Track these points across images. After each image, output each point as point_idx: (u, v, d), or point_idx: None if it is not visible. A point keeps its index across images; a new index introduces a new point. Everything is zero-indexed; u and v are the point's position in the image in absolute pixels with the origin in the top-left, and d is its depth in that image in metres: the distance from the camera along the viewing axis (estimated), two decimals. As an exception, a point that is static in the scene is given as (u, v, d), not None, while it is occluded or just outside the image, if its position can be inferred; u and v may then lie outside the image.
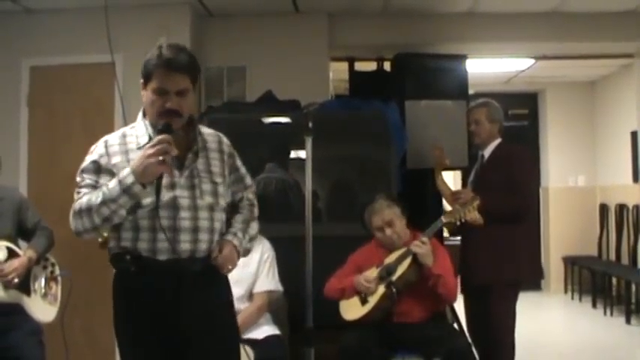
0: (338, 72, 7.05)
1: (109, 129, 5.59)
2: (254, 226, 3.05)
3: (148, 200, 2.65)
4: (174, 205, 2.70)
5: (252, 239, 3.03)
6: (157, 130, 2.65)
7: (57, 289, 4.40)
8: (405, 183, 5.42)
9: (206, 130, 2.97)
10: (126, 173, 2.58)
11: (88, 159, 2.81)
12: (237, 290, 4.09)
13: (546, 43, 6.77)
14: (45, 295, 4.27)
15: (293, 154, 5.16)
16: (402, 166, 5.48)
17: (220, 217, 2.86)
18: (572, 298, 9.53)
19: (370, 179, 5.23)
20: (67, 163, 5.67)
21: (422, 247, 4.10)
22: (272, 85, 5.80)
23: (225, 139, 3.00)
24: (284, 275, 4.37)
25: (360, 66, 6.81)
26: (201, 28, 6.32)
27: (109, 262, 2.81)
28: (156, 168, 2.54)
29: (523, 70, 8.83)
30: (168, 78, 2.69)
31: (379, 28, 6.50)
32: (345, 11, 6.37)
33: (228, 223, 2.95)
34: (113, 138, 2.84)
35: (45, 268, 4.34)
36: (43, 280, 4.29)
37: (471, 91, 6.21)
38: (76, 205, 2.70)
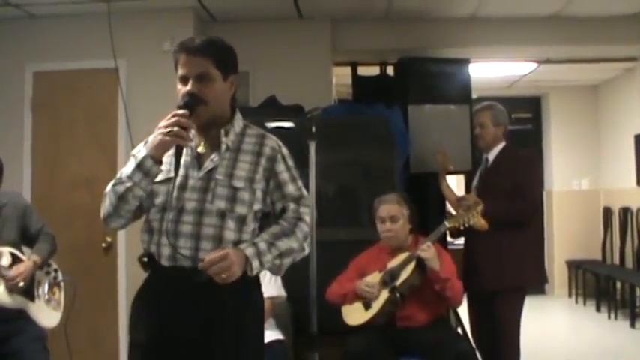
0: (341, 77, 7.05)
1: (113, 134, 5.64)
2: (289, 242, 2.62)
3: (159, 200, 2.58)
4: (179, 208, 2.56)
5: (281, 255, 2.60)
6: (177, 107, 2.51)
7: (60, 295, 4.41)
8: (408, 187, 5.41)
9: (252, 131, 2.75)
10: (141, 150, 2.56)
11: (131, 155, 2.70)
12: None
13: (549, 47, 6.77)
14: (49, 301, 4.28)
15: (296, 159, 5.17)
16: (405, 170, 5.48)
17: (236, 226, 2.57)
18: (577, 301, 9.52)
19: (373, 184, 5.21)
20: (70, 168, 5.71)
21: (428, 251, 4.08)
22: (275, 90, 5.82)
23: (270, 141, 2.73)
24: (287, 280, 4.36)
25: (363, 70, 6.81)
26: (204, 34, 6.24)
27: None
28: (167, 139, 2.43)
29: (526, 74, 8.83)
30: (186, 62, 2.58)
31: (382, 32, 6.51)
32: (348, 16, 6.37)
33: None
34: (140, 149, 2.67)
35: (48, 273, 4.35)
36: (46, 286, 4.30)
37: (474, 96, 6.20)
38: (104, 192, 2.61)
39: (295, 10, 6.14)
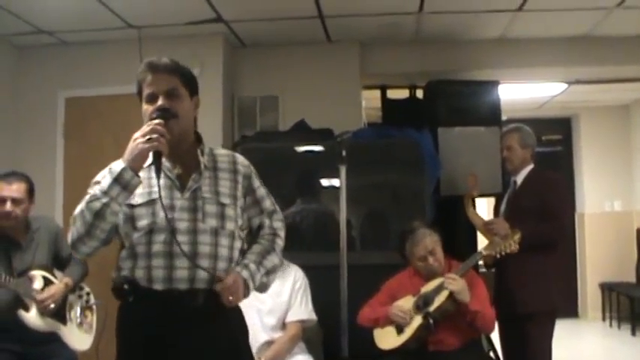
0: (370, 100, 7.06)
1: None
2: (272, 259, 2.74)
3: (143, 223, 2.51)
4: (171, 229, 2.49)
5: (269, 273, 2.72)
6: (150, 119, 2.49)
7: (92, 318, 4.44)
8: (438, 210, 5.39)
9: (220, 151, 2.80)
10: (117, 163, 2.48)
11: (92, 182, 2.64)
12: (269, 320, 4.11)
13: (579, 68, 6.72)
14: (81, 324, 4.31)
15: (326, 183, 5.17)
16: (435, 193, 5.45)
17: (228, 243, 2.61)
18: (611, 325, 9.37)
19: (404, 207, 5.20)
20: (102, 193, 5.73)
21: (455, 284, 4.01)
22: (305, 114, 5.83)
23: (241, 159, 2.81)
24: (318, 304, 4.34)
25: (393, 94, 6.82)
26: (234, 58, 6.37)
27: (111, 293, 2.63)
28: (145, 146, 2.40)
29: (556, 95, 8.77)
30: (154, 81, 2.58)
31: (411, 55, 6.51)
32: (377, 39, 6.39)
33: (244, 254, 2.73)
34: (117, 163, 2.55)
35: (80, 297, 4.38)
36: (78, 309, 4.33)
37: (503, 117, 6.17)
38: (72, 215, 2.52)
39: (324, 34, 6.17)
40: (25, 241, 4.18)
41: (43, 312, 4.01)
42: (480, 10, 5.67)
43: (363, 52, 6.47)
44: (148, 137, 2.40)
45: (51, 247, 4.31)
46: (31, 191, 4.19)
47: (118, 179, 2.41)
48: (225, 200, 2.62)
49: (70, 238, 2.53)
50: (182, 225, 2.51)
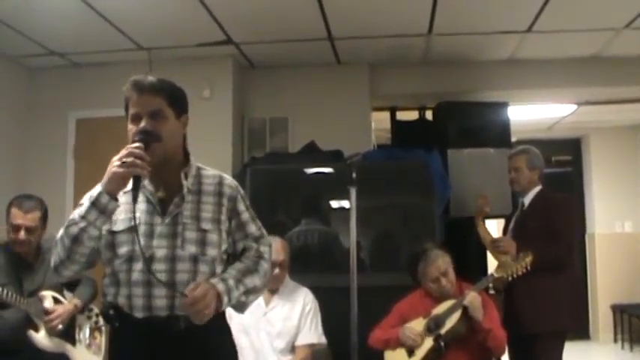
0: (380, 122, 7.07)
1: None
2: (254, 279, 2.57)
3: (123, 250, 2.44)
4: (148, 257, 2.41)
5: (247, 292, 2.55)
6: (132, 142, 2.41)
7: (101, 339, 4.43)
8: (447, 231, 5.38)
9: (207, 172, 2.66)
10: (95, 188, 2.40)
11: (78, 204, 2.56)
12: (279, 343, 4.09)
13: (589, 89, 6.72)
14: (89, 345, 4.31)
15: (336, 205, 5.16)
16: (445, 214, 5.44)
17: (209, 269, 2.49)
18: (622, 347, 9.28)
19: (414, 228, 5.19)
20: (112, 214, 5.74)
21: (473, 301, 4.02)
22: (314, 136, 5.84)
23: (228, 180, 2.67)
24: (328, 326, 4.31)
25: (402, 115, 6.84)
26: (243, 80, 6.40)
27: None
28: (121, 171, 2.31)
29: (566, 116, 8.76)
30: (138, 101, 2.48)
31: (420, 77, 6.53)
32: (386, 61, 6.41)
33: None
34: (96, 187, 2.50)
35: (89, 318, 4.38)
36: (87, 330, 4.33)
37: (513, 139, 6.18)
38: (55, 239, 2.48)
39: (334, 55, 6.20)
40: (35, 262, 4.19)
41: (52, 332, 4.01)
42: (489, 32, 5.69)
43: (372, 74, 6.49)
44: (122, 161, 2.32)
45: (61, 268, 4.31)
46: (44, 218, 4.21)
47: (95, 203, 2.34)
48: (207, 226, 2.51)
49: (52, 261, 2.51)
50: (160, 252, 2.43)
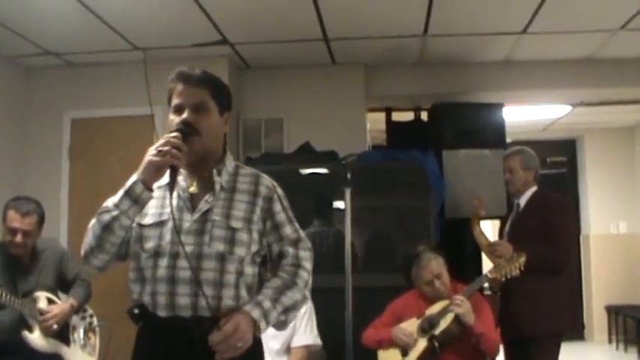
0: (375, 122, 7.08)
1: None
2: (292, 295, 2.46)
3: (150, 245, 2.38)
4: (174, 253, 2.34)
5: (288, 310, 2.44)
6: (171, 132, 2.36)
7: (95, 340, 4.44)
8: (443, 233, 5.38)
9: (245, 170, 2.60)
10: (131, 178, 2.36)
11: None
12: (274, 344, 4.07)
13: (584, 90, 6.73)
14: (84, 346, 4.32)
15: (331, 205, 5.17)
16: (440, 215, 5.45)
17: (238, 268, 2.39)
18: (617, 348, 9.31)
19: (409, 229, 5.20)
20: (107, 215, 5.73)
21: (462, 306, 4.01)
22: (309, 137, 5.83)
23: (266, 180, 2.57)
24: (323, 328, 4.30)
25: (397, 116, 6.84)
26: (238, 81, 6.39)
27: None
28: (157, 159, 2.27)
29: (561, 117, 8.78)
30: (183, 92, 2.46)
31: (415, 78, 6.53)
32: (382, 62, 6.41)
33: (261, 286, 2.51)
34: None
35: (84, 318, 4.39)
36: (82, 331, 4.33)
37: (508, 140, 6.19)
38: (87, 227, 2.43)
39: (329, 56, 6.20)
40: (30, 263, 4.20)
41: (47, 333, 4.01)
42: (484, 33, 5.69)
43: (367, 75, 6.49)
44: (159, 150, 2.28)
45: (56, 270, 4.32)
46: (41, 221, 4.21)
47: (128, 192, 2.31)
48: (237, 224, 2.41)
49: (82, 249, 2.45)
50: (186, 249, 2.32)
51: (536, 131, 9.64)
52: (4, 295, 3.83)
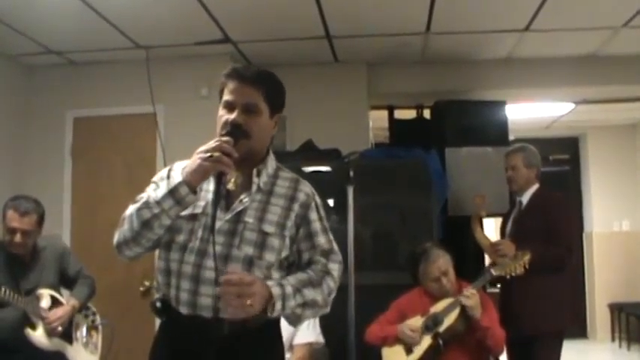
0: (378, 120, 7.07)
1: (151, 178, 5.71)
2: (315, 293, 2.36)
3: (181, 238, 2.33)
4: (203, 251, 2.29)
5: (305, 305, 2.34)
6: (220, 135, 2.30)
7: (98, 338, 4.45)
8: (445, 230, 5.38)
9: (285, 174, 2.53)
10: (178, 169, 2.34)
11: (151, 181, 2.51)
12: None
13: (586, 88, 6.71)
14: (86, 344, 4.32)
15: (334, 203, 5.16)
16: (442, 213, 5.44)
17: (263, 274, 2.31)
18: (620, 346, 9.30)
19: (411, 227, 5.19)
20: (109, 213, 5.69)
21: (472, 299, 4.02)
22: (312, 135, 5.84)
23: (305, 187, 2.50)
24: (325, 325, 4.30)
25: (400, 114, 6.83)
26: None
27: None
28: (207, 164, 2.19)
29: (563, 115, 8.78)
30: (236, 90, 2.37)
31: (418, 76, 6.52)
32: (384, 60, 6.40)
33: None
34: (179, 164, 2.46)
35: (86, 317, 4.40)
36: (84, 329, 4.34)
37: (511, 137, 6.18)
38: (121, 217, 2.38)
39: (331, 54, 6.19)
40: (31, 260, 4.19)
41: (51, 333, 4.02)
42: (486, 31, 5.68)
43: (370, 73, 6.48)
44: (209, 154, 2.20)
45: (57, 266, 4.33)
46: (41, 220, 4.20)
47: (172, 192, 2.23)
48: (269, 229, 2.35)
49: (115, 239, 2.39)
50: (215, 249, 2.25)
51: (539, 129, 9.63)
52: (6, 292, 3.84)
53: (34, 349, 3.97)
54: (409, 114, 6.79)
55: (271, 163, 2.51)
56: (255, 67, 2.48)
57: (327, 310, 2.48)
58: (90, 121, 6.08)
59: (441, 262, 4.23)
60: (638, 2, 5.04)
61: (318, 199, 2.53)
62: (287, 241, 2.40)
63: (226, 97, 2.40)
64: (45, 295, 4.11)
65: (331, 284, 2.43)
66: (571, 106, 8.10)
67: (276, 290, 2.24)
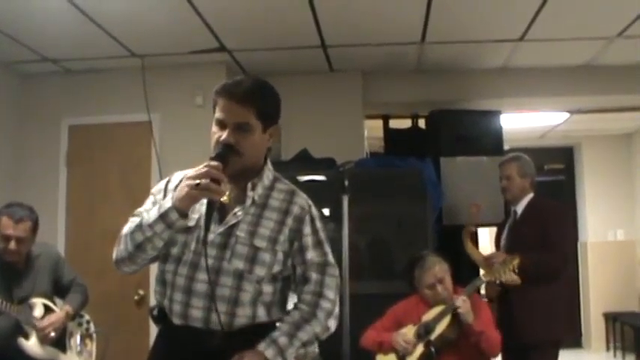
0: (373, 129, 7.08)
1: (147, 187, 5.68)
2: (311, 329, 2.39)
3: (175, 250, 2.36)
4: (195, 264, 2.32)
5: (305, 344, 2.40)
6: (210, 158, 2.28)
7: (92, 346, 4.43)
8: (440, 239, 5.38)
9: (282, 186, 2.51)
10: (167, 199, 2.31)
11: (150, 192, 2.54)
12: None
13: (581, 97, 6.72)
14: (80, 352, 4.30)
15: (328, 213, 5.16)
16: (437, 222, 5.45)
17: (256, 287, 2.34)
18: (615, 355, 9.30)
19: (406, 236, 5.20)
20: (104, 221, 5.74)
21: (462, 305, 4.02)
22: (307, 144, 5.84)
23: (300, 199, 2.48)
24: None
25: (395, 123, 6.84)
26: (236, 87, 6.37)
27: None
28: (194, 192, 2.19)
29: (558, 125, 8.79)
30: (226, 108, 2.35)
31: (413, 85, 6.52)
32: (379, 69, 6.41)
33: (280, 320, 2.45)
34: (177, 175, 2.50)
35: (80, 325, 4.38)
36: (78, 337, 4.32)
37: (506, 147, 6.19)
38: (120, 233, 2.41)
39: (327, 63, 6.20)
40: (25, 269, 4.18)
41: (44, 341, 4.00)
42: (482, 40, 5.69)
43: (365, 82, 6.48)
44: (197, 182, 2.19)
45: (51, 275, 4.31)
46: (35, 227, 4.19)
47: (163, 217, 2.25)
48: (261, 243, 2.35)
49: (114, 255, 2.43)
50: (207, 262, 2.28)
51: (534, 138, 9.65)
52: (0, 301, 3.82)
53: (28, 359, 3.95)
54: (404, 123, 6.80)
55: (268, 174, 2.50)
56: (247, 82, 2.45)
57: (332, 330, 2.49)
58: (85, 129, 6.07)
59: (437, 269, 4.23)
60: (633, 12, 5.06)
61: (314, 212, 2.51)
62: (279, 255, 2.39)
63: (218, 114, 2.39)
64: (38, 304, 4.09)
65: (327, 306, 2.42)
66: (566, 115, 8.12)
67: (270, 353, 2.27)
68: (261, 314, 2.37)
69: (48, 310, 4.13)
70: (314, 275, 2.42)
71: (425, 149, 6.04)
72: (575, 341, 9.36)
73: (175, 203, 2.24)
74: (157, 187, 2.53)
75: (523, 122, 8.27)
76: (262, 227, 2.38)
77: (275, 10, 4.97)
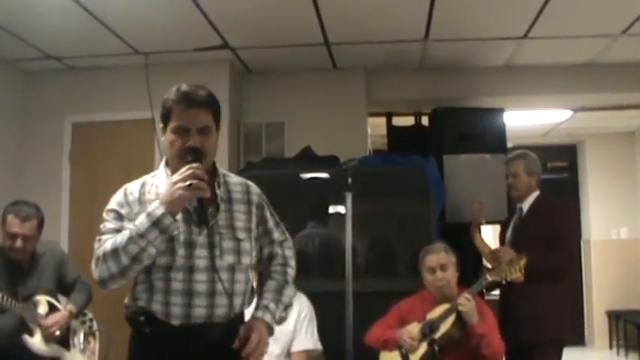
0: (376, 127, 7.07)
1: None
2: (288, 292, 2.71)
3: (162, 260, 2.42)
4: (189, 267, 2.43)
5: (287, 307, 2.71)
6: (186, 162, 2.39)
7: (95, 344, 4.43)
8: (443, 237, 5.37)
9: (232, 179, 2.70)
10: (155, 205, 2.35)
11: (108, 208, 2.61)
12: (274, 348, 4.06)
13: (584, 95, 6.72)
14: (84, 350, 4.31)
15: (332, 210, 5.17)
16: (440, 220, 5.44)
17: (243, 277, 2.55)
18: (618, 353, 9.28)
19: (409, 234, 5.19)
20: (107, 219, 5.71)
21: (467, 304, 3.99)
22: (310, 141, 5.83)
23: (254, 188, 2.72)
24: (323, 331, 4.29)
25: (398, 121, 6.83)
26: (240, 85, 6.39)
27: (125, 320, 2.56)
28: (186, 193, 2.31)
29: (562, 122, 8.76)
30: (189, 114, 2.45)
31: (416, 83, 6.53)
32: (382, 67, 6.41)
33: (259, 290, 2.72)
34: (133, 186, 2.62)
35: (84, 323, 4.39)
36: (82, 335, 4.33)
37: (509, 144, 6.17)
38: (99, 252, 2.41)
39: (330, 61, 6.20)
40: (30, 266, 4.19)
41: (48, 339, 4.01)
42: (485, 38, 5.69)
43: (368, 79, 6.49)
44: (188, 183, 2.31)
45: (55, 273, 4.32)
46: (41, 226, 4.20)
47: (157, 224, 2.32)
48: (241, 235, 2.55)
49: (97, 275, 2.44)
50: (201, 263, 2.44)
51: (537, 136, 9.62)
52: (4, 298, 3.83)
53: (32, 356, 3.96)
54: (407, 121, 6.79)
55: (220, 171, 2.66)
56: (200, 88, 2.56)
57: (297, 292, 2.87)
58: (89, 127, 6.08)
59: (443, 255, 4.20)
60: (636, 10, 5.06)
61: (264, 197, 2.76)
62: (254, 242, 2.65)
63: (179, 121, 2.47)
64: (42, 302, 4.10)
65: (292, 273, 2.77)
66: (569, 113, 8.09)
67: (268, 317, 2.57)
68: (244, 302, 2.61)
69: (52, 307, 4.14)
70: (279, 250, 2.75)
71: (428, 147, 6.04)
72: (578, 339, 9.33)
73: (169, 207, 2.33)
74: (117, 202, 2.60)
75: (526, 120, 8.25)
76: (237, 220, 2.58)
77: (278, 8, 4.97)
